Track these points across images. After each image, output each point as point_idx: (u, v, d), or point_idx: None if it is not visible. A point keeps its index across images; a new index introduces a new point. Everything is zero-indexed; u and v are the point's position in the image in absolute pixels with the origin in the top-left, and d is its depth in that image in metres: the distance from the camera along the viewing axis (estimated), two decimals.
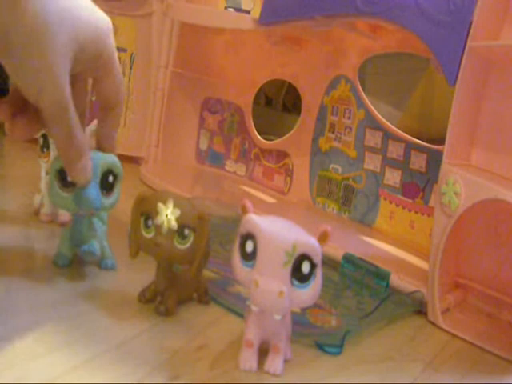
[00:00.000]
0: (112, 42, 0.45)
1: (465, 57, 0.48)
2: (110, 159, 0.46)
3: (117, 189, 0.47)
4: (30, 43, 0.39)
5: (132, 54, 0.81)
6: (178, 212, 0.41)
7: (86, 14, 0.42)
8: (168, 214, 0.41)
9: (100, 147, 0.47)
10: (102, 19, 0.44)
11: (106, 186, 0.46)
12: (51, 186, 0.45)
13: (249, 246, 0.37)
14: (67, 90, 0.41)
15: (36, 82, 0.40)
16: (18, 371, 0.35)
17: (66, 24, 0.40)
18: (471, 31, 0.48)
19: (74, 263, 0.49)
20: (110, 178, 0.46)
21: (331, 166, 0.72)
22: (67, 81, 0.41)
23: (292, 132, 0.77)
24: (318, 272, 0.37)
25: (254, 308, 0.38)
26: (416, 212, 0.63)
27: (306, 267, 0.36)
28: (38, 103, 0.41)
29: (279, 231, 0.37)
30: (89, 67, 0.44)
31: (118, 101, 0.47)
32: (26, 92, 0.41)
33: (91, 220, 0.48)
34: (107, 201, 0.46)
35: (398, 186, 0.65)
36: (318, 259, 0.36)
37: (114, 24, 0.45)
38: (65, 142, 0.42)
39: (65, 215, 0.55)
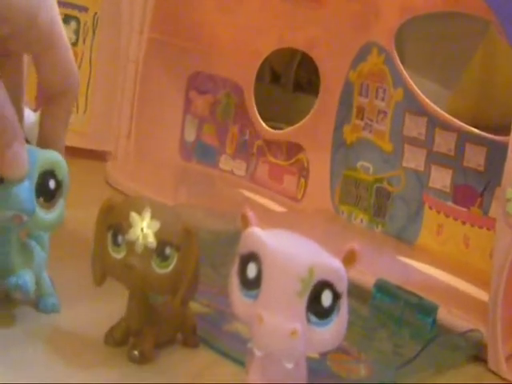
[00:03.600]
0: (54, 6, 0.44)
1: None
2: (53, 157, 0.44)
3: (60, 203, 0.45)
4: None
5: (95, 14, 0.82)
6: (156, 225, 0.41)
7: None
8: (144, 228, 0.41)
9: (42, 145, 0.46)
10: None
11: (45, 193, 0.44)
12: None
13: (251, 271, 0.37)
14: None
15: None
16: None
17: None
18: None
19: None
20: (52, 184, 0.44)
21: (359, 163, 0.73)
22: None
23: (307, 118, 0.78)
24: (343, 305, 0.37)
25: (257, 352, 0.38)
26: (472, 225, 0.63)
27: (326, 298, 0.36)
28: None
29: (291, 250, 0.37)
30: (18, 35, 0.43)
31: (67, 87, 0.46)
32: None
33: (25, 242, 0.45)
34: (46, 215, 0.44)
35: (447, 189, 0.65)
36: (342, 288, 0.36)
37: None
38: None
39: None
